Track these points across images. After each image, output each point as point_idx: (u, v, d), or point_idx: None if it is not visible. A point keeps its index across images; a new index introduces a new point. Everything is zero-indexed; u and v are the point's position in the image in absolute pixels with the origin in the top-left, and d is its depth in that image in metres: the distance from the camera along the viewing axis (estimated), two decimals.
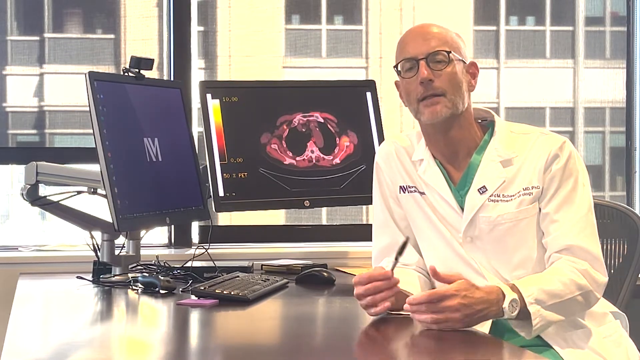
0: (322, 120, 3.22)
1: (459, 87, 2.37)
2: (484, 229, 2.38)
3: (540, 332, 2.25)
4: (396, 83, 2.46)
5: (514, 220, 2.36)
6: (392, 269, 2.20)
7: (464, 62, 2.40)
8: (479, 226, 2.38)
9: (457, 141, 2.41)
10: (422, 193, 2.46)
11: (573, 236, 2.32)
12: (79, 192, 2.92)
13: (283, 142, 3.15)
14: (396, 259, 2.20)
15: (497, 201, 2.37)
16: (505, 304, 2.16)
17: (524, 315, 2.20)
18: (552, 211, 2.35)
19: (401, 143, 2.52)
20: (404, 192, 2.49)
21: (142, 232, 2.99)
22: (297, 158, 3.16)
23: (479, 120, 2.48)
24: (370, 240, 2.58)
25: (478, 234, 2.39)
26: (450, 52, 2.36)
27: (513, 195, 2.37)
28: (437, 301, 2.11)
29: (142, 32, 3.66)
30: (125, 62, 3.30)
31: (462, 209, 2.40)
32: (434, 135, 2.42)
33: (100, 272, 2.89)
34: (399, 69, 2.40)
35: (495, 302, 2.15)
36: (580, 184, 2.36)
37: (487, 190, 2.38)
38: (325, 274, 2.92)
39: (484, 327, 2.31)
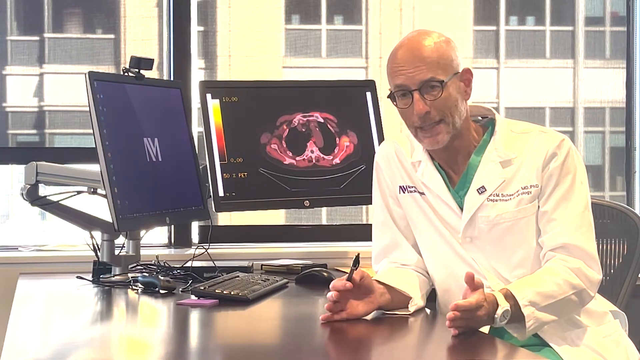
0: (322, 120, 3.22)
1: (455, 107, 2.34)
2: (483, 229, 2.38)
3: (533, 333, 2.26)
4: (389, 94, 2.44)
5: (513, 220, 2.36)
6: (350, 276, 2.21)
7: (458, 73, 2.36)
8: (478, 226, 2.38)
9: (457, 149, 2.41)
10: (421, 193, 2.46)
11: (568, 234, 2.32)
12: (79, 192, 2.92)
13: (283, 142, 3.15)
14: (351, 271, 2.22)
15: (496, 201, 2.37)
16: (497, 314, 2.17)
17: (518, 317, 2.21)
18: (549, 209, 2.35)
19: (401, 143, 2.52)
20: (404, 192, 2.49)
21: (142, 232, 2.99)
22: (297, 158, 3.16)
23: (479, 117, 2.48)
24: (370, 240, 2.58)
25: (477, 234, 2.39)
26: (444, 80, 2.32)
27: (512, 195, 2.37)
28: (473, 309, 2.12)
29: (142, 32, 3.66)
30: (125, 62, 3.30)
31: (462, 209, 2.40)
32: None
33: (100, 272, 2.89)
34: (393, 95, 2.36)
35: (491, 311, 2.17)
36: (578, 182, 2.36)
37: (486, 190, 2.38)
38: (325, 274, 2.92)
39: (484, 327, 2.32)
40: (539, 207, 2.37)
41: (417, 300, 2.36)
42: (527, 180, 2.37)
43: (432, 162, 2.44)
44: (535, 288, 2.24)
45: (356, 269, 2.22)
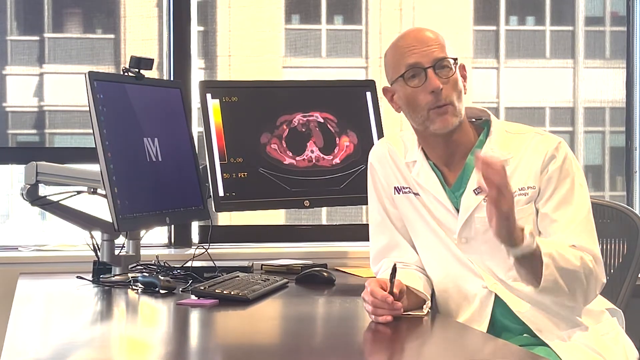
0: (322, 120, 3.22)
1: (461, 93, 2.37)
2: (479, 230, 2.37)
3: (545, 289, 2.22)
4: (385, 89, 2.44)
5: None
6: (391, 292, 2.19)
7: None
8: (474, 227, 2.38)
9: (456, 144, 2.40)
10: (416, 194, 2.46)
11: (575, 236, 2.31)
12: (79, 192, 2.92)
13: (283, 142, 3.15)
14: (391, 281, 2.20)
15: None
16: (526, 231, 2.14)
17: (535, 266, 2.18)
18: (550, 211, 2.34)
19: (394, 144, 2.52)
20: (399, 193, 2.49)
21: (142, 232, 2.99)
22: (297, 158, 3.16)
23: (473, 120, 2.48)
24: None
25: (473, 234, 2.38)
26: (457, 58, 2.36)
27: None
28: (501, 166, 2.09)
29: (142, 32, 3.66)
30: (125, 62, 3.30)
31: (457, 210, 2.40)
32: (434, 140, 2.41)
33: (100, 272, 2.90)
34: (404, 77, 2.36)
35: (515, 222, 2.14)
36: (577, 184, 2.36)
37: (482, 191, 2.37)
38: (325, 274, 2.92)
39: (482, 327, 2.32)
40: (537, 209, 2.36)
41: (429, 301, 2.36)
42: (524, 182, 2.37)
43: (428, 161, 2.44)
44: (557, 248, 2.23)
45: (394, 280, 2.20)
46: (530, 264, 2.19)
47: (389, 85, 2.43)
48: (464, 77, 2.41)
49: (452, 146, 2.40)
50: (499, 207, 2.09)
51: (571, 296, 2.29)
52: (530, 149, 2.38)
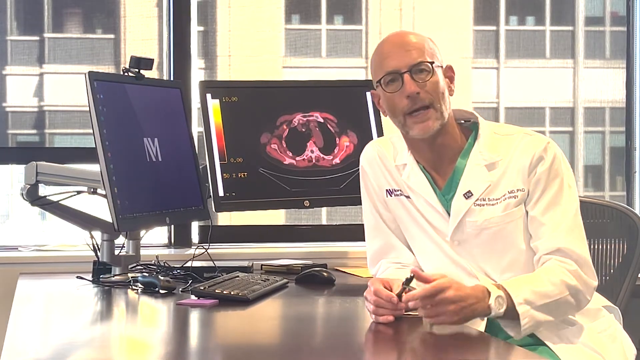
0: (322, 120, 3.22)
1: (443, 95, 2.35)
2: (471, 233, 2.37)
3: (530, 332, 2.25)
4: (373, 94, 2.44)
5: (500, 224, 2.35)
6: (400, 295, 2.19)
7: (441, 67, 2.38)
8: (465, 230, 2.37)
9: (442, 147, 2.40)
10: (407, 197, 2.45)
11: (561, 239, 2.31)
12: (79, 192, 2.92)
13: (283, 142, 3.15)
14: (403, 289, 2.19)
15: (483, 205, 2.36)
16: (491, 301, 2.16)
17: (514, 315, 2.20)
18: (539, 214, 2.34)
19: (383, 146, 2.51)
20: (390, 196, 2.49)
21: (142, 232, 2.99)
22: (297, 158, 3.16)
23: (462, 121, 2.47)
24: None
25: (466, 237, 2.38)
26: (433, 62, 2.35)
27: (498, 199, 2.36)
28: (432, 295, 2.11)
29: (142, 32, 3.66)
30: (125, 62, 3.30)
31: (448, 213, 2.39)
32: (419, 144, 2.40)
33: (100, 272, 2.90)
34: (381, 83, 2.37)
35: (482, 298, 2.16)
36: (566, 185, 2.35)
37: (472, 194, 2.37)
38: (325, 274, 2.92)
39: (480, 326, 2.31)
40: (527, 211, 2.36)
41: None
42: (513, 184, 2.36)
43: (418, 164, 2.44)
44: (531, 287, 2.23)
45: (407, 289, 2.19)
46: (509, 316, 2.21)
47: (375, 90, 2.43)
48: (450, 79, 2.40)
49: (439, 150, 2.40)
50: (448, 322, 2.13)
51: (562, 316, 2.31)
52: (519, 150, 2.37)
